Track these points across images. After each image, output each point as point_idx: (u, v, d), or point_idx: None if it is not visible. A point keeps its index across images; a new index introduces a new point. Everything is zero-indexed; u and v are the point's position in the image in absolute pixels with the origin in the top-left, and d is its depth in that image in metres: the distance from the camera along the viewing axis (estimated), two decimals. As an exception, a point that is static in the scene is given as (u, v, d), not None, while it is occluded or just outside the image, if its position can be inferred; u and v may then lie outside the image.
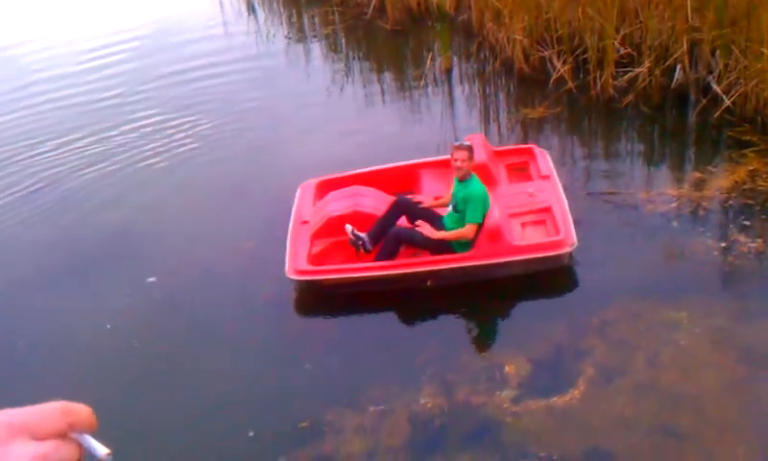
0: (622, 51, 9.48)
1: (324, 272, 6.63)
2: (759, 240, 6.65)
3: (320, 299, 6.78)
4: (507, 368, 5.63)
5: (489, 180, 6.94)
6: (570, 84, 9.64)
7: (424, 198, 7.12)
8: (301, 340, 6.49)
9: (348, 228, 6.59)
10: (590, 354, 5.67)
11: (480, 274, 6.48)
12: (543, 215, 6.93)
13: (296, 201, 7.37)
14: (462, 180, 6.43)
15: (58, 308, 7.12)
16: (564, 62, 9.84)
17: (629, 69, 9.42)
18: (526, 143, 8.42)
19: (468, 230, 6.34)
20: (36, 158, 9.92)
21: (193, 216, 8.31)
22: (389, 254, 6.56)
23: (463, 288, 6.58)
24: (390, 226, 6.67)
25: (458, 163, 6.34)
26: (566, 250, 6.43)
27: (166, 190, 8.87)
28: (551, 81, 9.85)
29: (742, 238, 6.68)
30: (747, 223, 6.90)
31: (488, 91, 10.61)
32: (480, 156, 7.09)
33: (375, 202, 7.06)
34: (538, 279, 6.62)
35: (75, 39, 14.73)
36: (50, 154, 10.02)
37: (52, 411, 0.95)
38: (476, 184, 6.39)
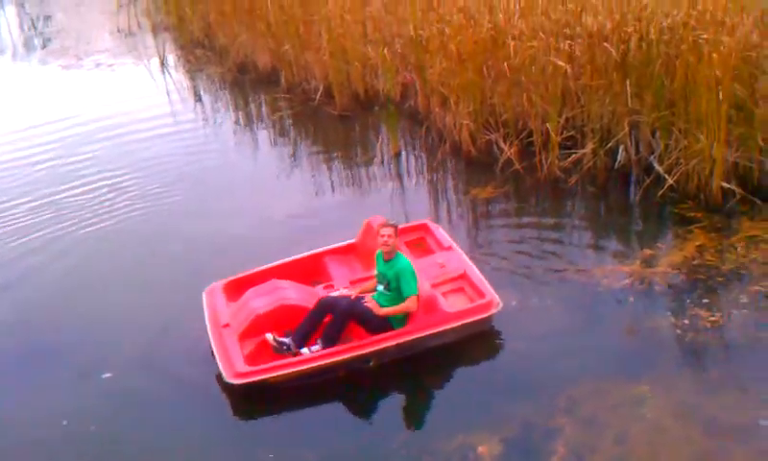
0: (566, 134, 9.83)
1: (268, 370, 6.37)
2: (716, 313, 6.85)
3: (265, 395, 6.48)
4: (480, 448, 5.60)
5: None
6: (517, 166, 9.91)
7: (341, 286, 7.25)
8: (260, 432, 6.31)
9: (269, 336, 6.58)
10: (560, 433, 5.69)
11: (419, 346, 6.67)
12: (460, 282, 7.32)
13: (205, 306, 7.15)
14: (388, 258, 6.70)
15: (9, 400, 6.84)
16: (511, 145, 10.14)
17: (573, 151, 9.76)
18: (422, 220, 8.54)
19: (411, 303, 6.57)
20: None
21: (139, 306, 8.07)
22: (336, 332, 6.57)
23: (412, 365, 6.68)
24: (315, 328, 6.67)
25: (385, 239, 6.60)
26: (495, 310, 6.83)
27: (105, 274, 8.82)
28: (499, 163, 10.11)
29: (698, 312, 6.88)
30: (700, 297, 7.12)
31: (436, 175, 10.80)
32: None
33: (297, 292, 7.10)
34: (503, 357, 6.68)
35: (18, 128, 14.49)
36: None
37: None
38: (403, 260, 6.68)
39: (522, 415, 5.91)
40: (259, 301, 6.92)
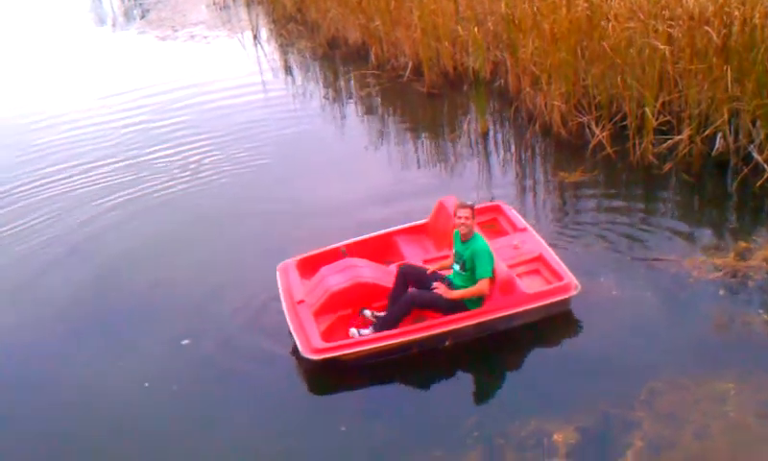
0: (662, 118, 9.51)
1: (345, 346, 6.40)
2: (810, 313, 6.54)
3: (338, 371, 6.51)
4: (555, 436, 5.52)
5: None
6: (609, 150, 9.66)
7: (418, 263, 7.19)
8: (334, 405, 6.40)
9: (367, 312, 6.67)
10: (638, 426, 5.55)
11: (495, 326, 6.62)
12: (535, 265, 7.22)
13: (280, 282, 7.21)
14: (465, 239, 6.64)
15: (95, 363, 7.10)
16: (603, 128, 9.88)
17: (668, 137, 9.43)
18: (495, 201, 8.45)
19: (483, 286, 6.50)
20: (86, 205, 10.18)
21: (216, 274, 8.27)
22: (398, 319, 6.54)
23: (488, 346, 6.66)
24: (402, 295, 6.69)
25: (461, 220, 6.55)
26: (573, 293, 6.74)
27: (195, 247, 8.99)
28: (590, 146, 9.88)
29: (792, 310, 6.59)
30: (795, 295, 6.81)
31: (524, 155, 10.66)
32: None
33: (372, 271, 7.11)
34: (584, 343, 6.57)
35: (112, 94, 15.15)
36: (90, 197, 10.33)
37: None
38: (480, 241, 6.60)
39: (600, 405, 5.79)
40: (335, 278, 6.95)
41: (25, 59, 19.65)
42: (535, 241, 7.49)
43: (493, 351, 6.69)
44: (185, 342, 7.17)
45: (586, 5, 10.04)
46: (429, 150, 11.29)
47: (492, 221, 8.06)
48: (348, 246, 7.64)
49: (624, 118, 9.80)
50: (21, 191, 11.01)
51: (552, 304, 6.74)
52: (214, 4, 22.31)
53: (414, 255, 7.54)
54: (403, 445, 5.71)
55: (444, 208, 7.77)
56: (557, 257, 7.20)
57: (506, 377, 6.50)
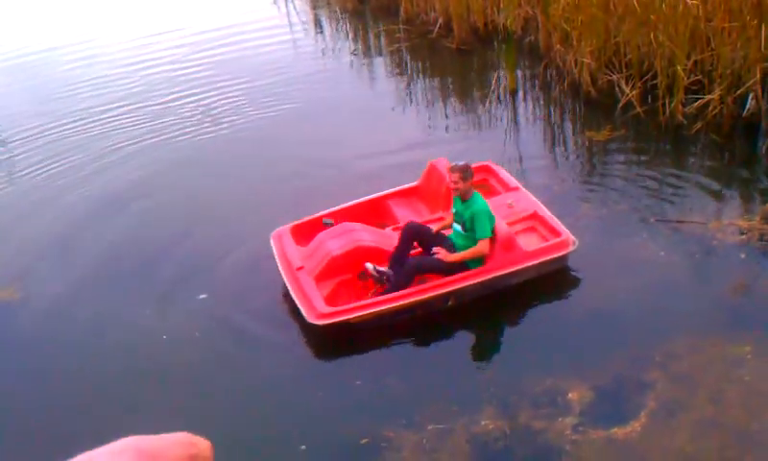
0: (693, 78, 9.35)
1: (350, 311, 6.39)
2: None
3: (344, 334, 6.52)
4: (569, 394, 5.58)
5: None
6: (638, 109, 9.54)
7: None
8: (348, 363, 6.48)
9: (369, 266, 6.65)
10: (652, 387, 5.59)
11: (497, 284, 6.68)
12: (531, 222, 7.27)
13: (275, 250, 7.16)
14: (464, 199, 6.64)
15: (115, 315, 7.25)
16: (633, 87, 9.75)
17: (699, 96, 9.28)
18: (484, 161, 8.26)
19: (483, 246, 6.54)
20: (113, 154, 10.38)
21: (234, 227, 8.34)
22: (404, 284, 6.56)
23: (499, 306, 6.73)
24: (406, 253, 6.75)
25: (452, 185, 6.61)
26: (571, 248, 6.83)
27: (214, 199, 9.14)
28: (619, 105, 9.76)
29: (815, 275, 6.53)
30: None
31: (552, 113, 10.58)
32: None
33: (370, 234, 7.10)
34: (601, 304, 6.58)
35: (142, 43, 15.44)
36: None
37: (178, 442, 1.03)
38: (479, 201, 6.61)
39: (615, 365, 5.83)
40: (334, 242, 6.92)
41: (63, 8, 19.92)
42: (528, 199, 7.50)
43: (506, 310, 6.76)
44: (202, 296, 7.27)
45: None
46: (457, 107, 11.24)
47: (483, 181, 7.95)
48: (340, 211, 7.62)
49: (654, 77, 9.65)
50: (45, 132, 11.52)
51: (551, 261, 6.81)
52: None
53: (406, 218, 7.42)
54: (419, 399, 5.80)
55: (435, 170, 7.76)
56: (551, 214, 7.24)
57: (522, 336, 6.55)
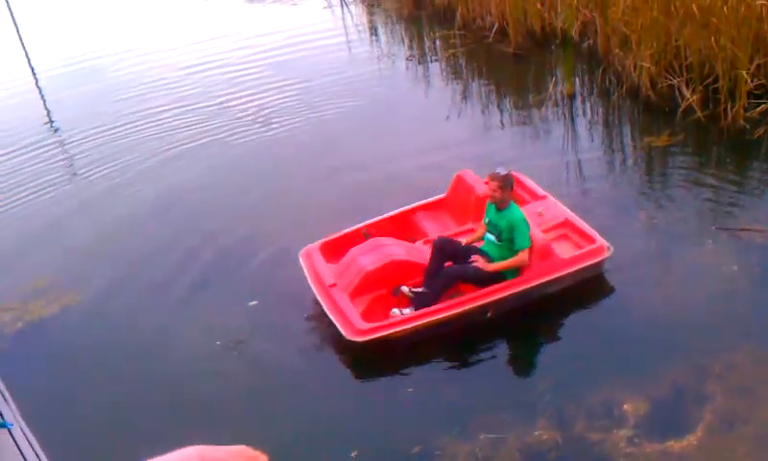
0: (756, 82, 9.12)
1: (388, 326, 6.28)
2: None
3: (385, 348, 6.40)
4: (625, 406, 5.50)
5: None
6: (699, 114, 9.35)
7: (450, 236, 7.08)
8: (398, 370, 6.44)
9: (405, 289, 6.58)
10: (711, 399, 5.48)
11: (534, 294, 6.60)
12: (563, 230, 7.19)
13: (305, 268, 7.05)
14: (500, 208, 6.57)
15: (169, 319, 7.38)
16: (693, 91, 9.56)
17: (762, 101, 9.05)
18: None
19: (524, 256, 6.47)
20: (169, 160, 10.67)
21: (284, 233, 8.38)
22: (439, 294, 6.49)
23: (544, 316, 6.67)
24: (441, 268, 6.65)
25: (490, 192, 6.58)
26: (607, 255, 6.75)
27: (269, 203, 9.28)
28: (679, 110, 9.58)
29: None
30: None
31: (611, 118, 10.44)
32: (480, 189, 7.42)
33: (402, 249, 7.00)
34: (660, 313, 6.46)
35: (200, 49, 15.87)
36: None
37: (239, 454, 1.08)
38: (516, 210, 6.56)
39: (672, 376, 5.73)
40: (367, 258, 6.82)
41: (125, 19, 20.44)
42: (557, 207, 7.42)
43: (558, 319, 6.69)
44: (253, 303, 7.31)
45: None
46: (513, 112, 11.17)
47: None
48: (367, 226, 7.54)
49: (716, 81, 9.45)
50: (102, 133, 12.00)
51: (587, 268, 6.73)
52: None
53: (435, 232, 7.39)
54: (471, 408, 5.80)
55: (462, 181, 7.67)
56: (582, 221, 7.16)
57: (575, 345, 6.44)
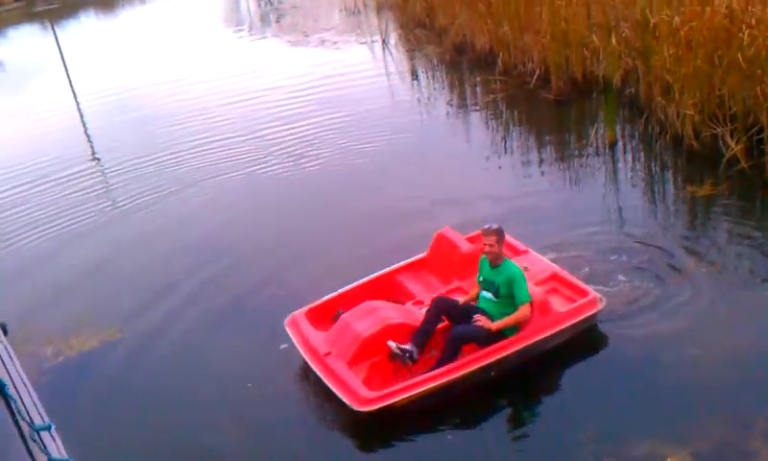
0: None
1: (396, 393, 6.01)
2: None
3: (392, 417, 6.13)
4: (668, 460, 5.37)
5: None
6: (743, 164, 9.23)
7: (427, 301, 6.90)
8: (434, 427, 6.20)
9: (392, 344, 6.34)
10: (756, 456, 5.31)
11: (535, 350, 6.47)
12: (552, 284, 7.11)
13: (294, 337, 6.84)
14: (495, 264, 6.46)
15: (200, 358, 7.40)
16: (738, 141, 9.45)
17: (809, 152, 8.92)
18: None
19: (526, 311, 6.35)
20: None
21: (318, 276, 8.30)
22: (450, 357, 6.31)
23: (603, 369, 6.56)
24: (433, 329, 6.50)
25: (487, 248, 6.42)
26: (601, 307, 6.70)
27: (302, 242, 9.36)
28: (723, 159, 9.46)
29: None
30: None
31: (653, 167, 10.34)
32: (464, 246, 7.38)
33: (395, 311, 6.79)
34: (704, 366, 6.31)
35: (244, 89, 16.29)
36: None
37: None
38: (513, 265, 6.46)
39: (716, 431, 5.56)
40: (361, 323, 6.56)
41: (173, 54, 21.07)
42: (541, 261, 7.36)
43: (593, 370, 6.57)
44: (283, 346, 7.11)
45: (726, 12, 9.62)
46: (554, 159, 11.08)
47: None
48: (350, 291, 7.33)
49: (761, 131, 9.33)
50: (146, 162, 12.57)
51: (583, 320, 6.67)
52: (345, 9, 22.91)
53: (422, 293, 7.24)
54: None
55: (444, 240, 7.55)
56: (569, 274, 7.12)
57: (618, 396, 6.26)
